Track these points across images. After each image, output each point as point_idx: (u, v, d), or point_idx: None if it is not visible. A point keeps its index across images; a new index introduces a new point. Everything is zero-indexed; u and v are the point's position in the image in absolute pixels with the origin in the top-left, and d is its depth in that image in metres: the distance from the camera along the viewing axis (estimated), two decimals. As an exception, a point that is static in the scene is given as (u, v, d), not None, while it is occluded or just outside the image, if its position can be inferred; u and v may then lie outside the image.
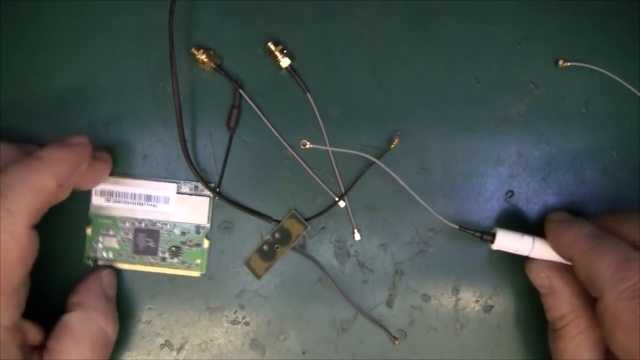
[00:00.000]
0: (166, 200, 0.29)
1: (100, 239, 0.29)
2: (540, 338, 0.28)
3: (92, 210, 0.29)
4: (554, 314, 0.27)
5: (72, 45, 0.30)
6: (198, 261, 0.29)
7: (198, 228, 0.29)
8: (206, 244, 0.29)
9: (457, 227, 0.28)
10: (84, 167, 0.25)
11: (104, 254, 0.29)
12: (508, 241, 0.27)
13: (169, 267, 0.29)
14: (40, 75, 0.30)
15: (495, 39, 0.30)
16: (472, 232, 0.28)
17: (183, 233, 0.29)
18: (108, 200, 0.29)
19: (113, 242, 0.29)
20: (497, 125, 0.30)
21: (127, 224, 0.29)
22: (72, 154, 0.24)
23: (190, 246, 0.29)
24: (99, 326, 0.26)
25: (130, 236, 0.29)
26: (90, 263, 0.29)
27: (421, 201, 0.28)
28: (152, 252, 0.29)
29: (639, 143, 0.30)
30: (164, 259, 0.29)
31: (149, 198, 0.29)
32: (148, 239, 0.29)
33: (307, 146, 0.28)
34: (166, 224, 0.29)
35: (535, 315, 0.29)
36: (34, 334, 0.25)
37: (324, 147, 0.29)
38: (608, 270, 0.23)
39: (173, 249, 0.29)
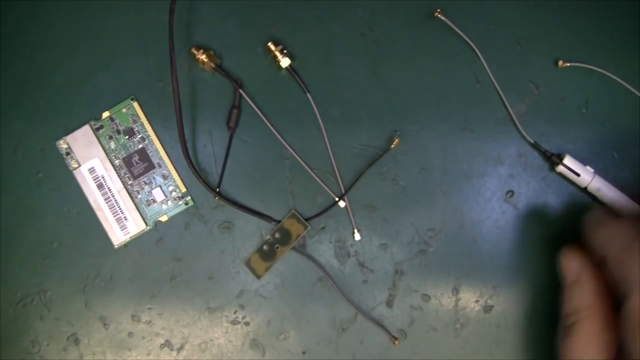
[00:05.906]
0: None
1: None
2: (539, 338, 0.28)
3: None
4: (571, 305, 0.26)
5: (71, 45, 0.30)
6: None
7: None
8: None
9: (532, 141, 0.29)
10: None
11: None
12: (574, 165, 0.29)
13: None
14: (40, 75, 0.30)
15: (495, 38, 0.30)
16: (543, 150, 0.29)
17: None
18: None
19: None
20: (497, 125, 0.30)
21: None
22: None
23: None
24: None
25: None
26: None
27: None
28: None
29: (639, 143, 0.30)
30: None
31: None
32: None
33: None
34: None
35: (534, 315, 0.29)
36: None
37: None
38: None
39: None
